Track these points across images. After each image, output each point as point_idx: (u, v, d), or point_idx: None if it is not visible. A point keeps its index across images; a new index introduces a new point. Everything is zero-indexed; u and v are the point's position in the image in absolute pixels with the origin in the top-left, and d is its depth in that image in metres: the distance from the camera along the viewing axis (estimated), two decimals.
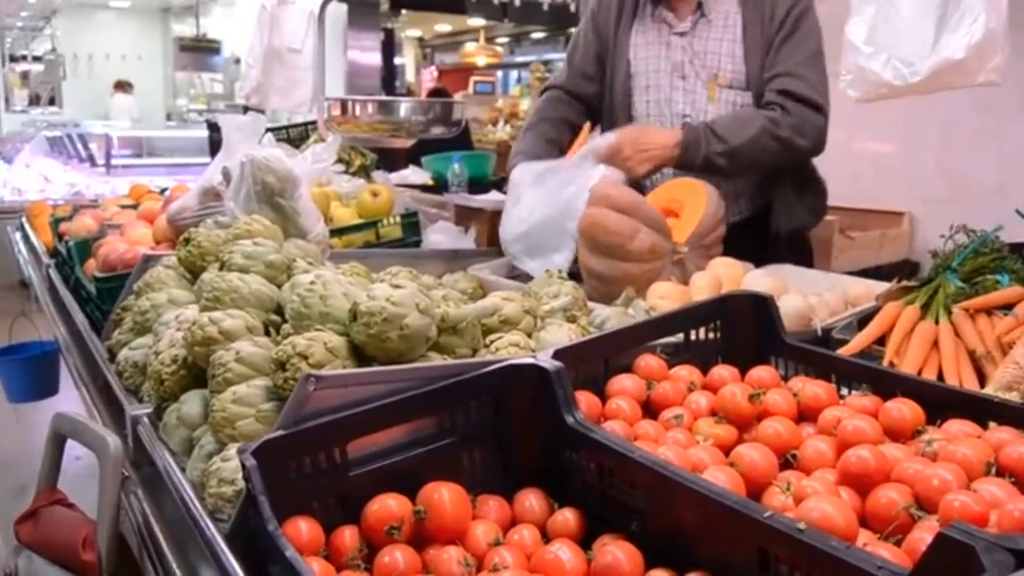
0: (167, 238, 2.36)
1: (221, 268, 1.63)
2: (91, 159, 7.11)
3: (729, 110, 2.41)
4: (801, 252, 2.54)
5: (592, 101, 2.69)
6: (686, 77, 2.45)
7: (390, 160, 4.12)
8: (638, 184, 2.41)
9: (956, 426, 1.13)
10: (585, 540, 1.09)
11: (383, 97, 4.66)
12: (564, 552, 1.02)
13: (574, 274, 1.96)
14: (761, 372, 1.34)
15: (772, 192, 2.43)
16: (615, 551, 1.01)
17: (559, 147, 2.66)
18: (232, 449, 1.21)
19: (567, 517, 1.13)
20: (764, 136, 2.27)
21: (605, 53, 2.61)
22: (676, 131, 2.31)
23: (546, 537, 1.12)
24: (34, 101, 14.42)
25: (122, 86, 14.58)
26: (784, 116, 2.29)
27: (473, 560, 1.03)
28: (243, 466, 1.03)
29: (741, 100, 2.42)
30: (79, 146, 7.30)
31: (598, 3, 2.64)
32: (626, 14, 2.56)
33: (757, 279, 1.92)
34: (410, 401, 1.15)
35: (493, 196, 2.98)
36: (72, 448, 1.66)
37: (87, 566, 1.45)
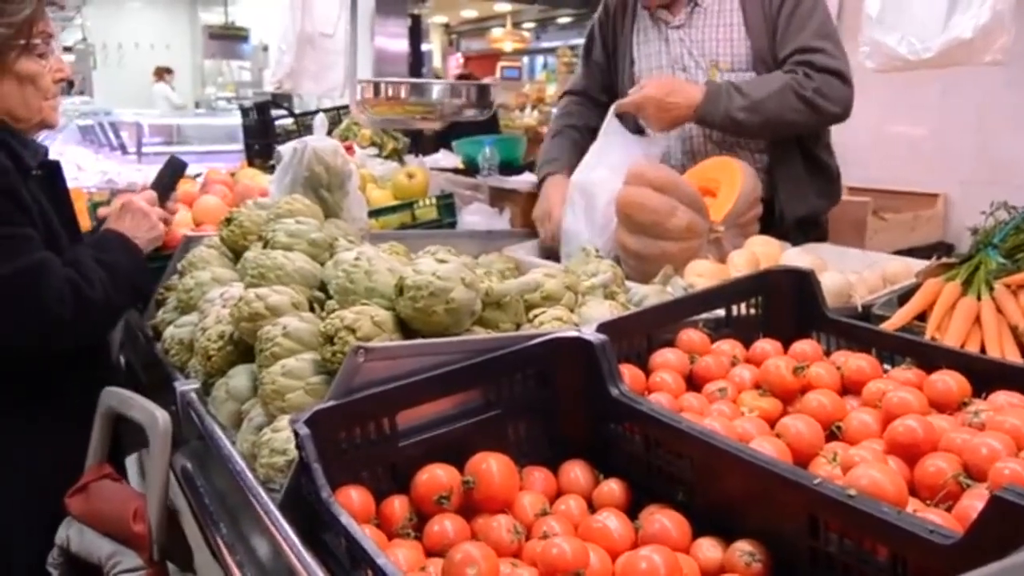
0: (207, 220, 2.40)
1: (264, 246, 1.66)
2: (123, 147, 7.17)
3: None
4: (812, 238, 2.38)
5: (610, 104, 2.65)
6: (687, 68, 2.43)
7: (418, 144, 4.13)
8: (674, 165, 2.41)
9: (1003, 397, 1.13)
10: (630, 511, 1.10)
11: (416, 79, 4.66)
12: (612, 521, 1.04)
13: None
14: (804, 346, 1.34)
15: (780, 174, 2.36)
16: (663, 519, 1.02)
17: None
18: (283, 420, 1.23)
19: (612, 488, 1.14)
20: (787, 92, 2.23)
21: (615, 52, 2.61)
22: (701, 87, 2.28)
23: (592, 508, 1.13)
24: (66, 91, 14.56)
25: (160, 73, 14.65)
26: (806, 79, 2.24)
27: (523, 528, 1.05)
28: (296, 435, 1.04)
29: None
30: (111, 134, 7.37)
31: (604, 5, 2.64)
32: (628, 14, 2.56)
33: (794, 257, 1.91)
34: (457, 373, 1.17)
35: (527, 177, 2.98)
36: None
37: (137, 537, 1.48)
